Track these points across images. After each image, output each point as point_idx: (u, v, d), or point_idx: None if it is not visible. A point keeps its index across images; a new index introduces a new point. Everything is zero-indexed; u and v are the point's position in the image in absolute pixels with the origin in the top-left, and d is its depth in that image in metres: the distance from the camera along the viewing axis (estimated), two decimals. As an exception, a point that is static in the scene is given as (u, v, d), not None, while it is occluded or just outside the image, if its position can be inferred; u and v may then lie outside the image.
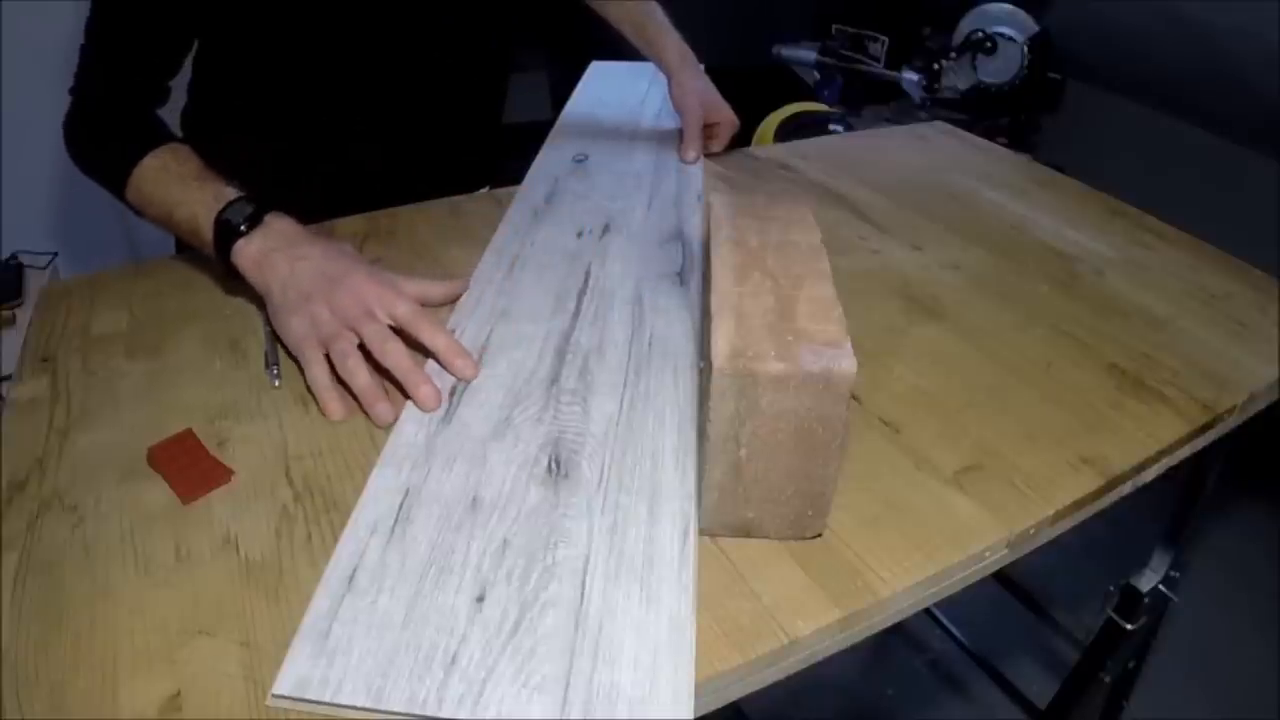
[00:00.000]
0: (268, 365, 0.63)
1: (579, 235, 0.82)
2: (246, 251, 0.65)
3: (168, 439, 0.56)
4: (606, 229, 0.83)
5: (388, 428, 0.57)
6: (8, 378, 0.97)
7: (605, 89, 1.23)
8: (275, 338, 0.65)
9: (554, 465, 0.54)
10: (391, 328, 0.62)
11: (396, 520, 0.50)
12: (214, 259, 0.68)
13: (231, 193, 0.68)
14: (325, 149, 0.89)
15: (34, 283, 1.59)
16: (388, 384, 0.60)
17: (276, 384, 0.62)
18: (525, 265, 0.76)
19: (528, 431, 0.57)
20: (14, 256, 1.63)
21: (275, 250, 0.65)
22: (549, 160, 0.98)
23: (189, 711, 0.40)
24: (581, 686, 0.41)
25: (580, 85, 1.25)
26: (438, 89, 0.91)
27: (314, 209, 0.84)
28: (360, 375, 0.58)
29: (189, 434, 0.56)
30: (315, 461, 0.55)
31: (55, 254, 1.66)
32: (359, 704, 0.40)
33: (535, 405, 0.59)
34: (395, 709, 0.40)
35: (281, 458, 0.55)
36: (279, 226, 0.67)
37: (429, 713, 0.39)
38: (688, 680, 0.41)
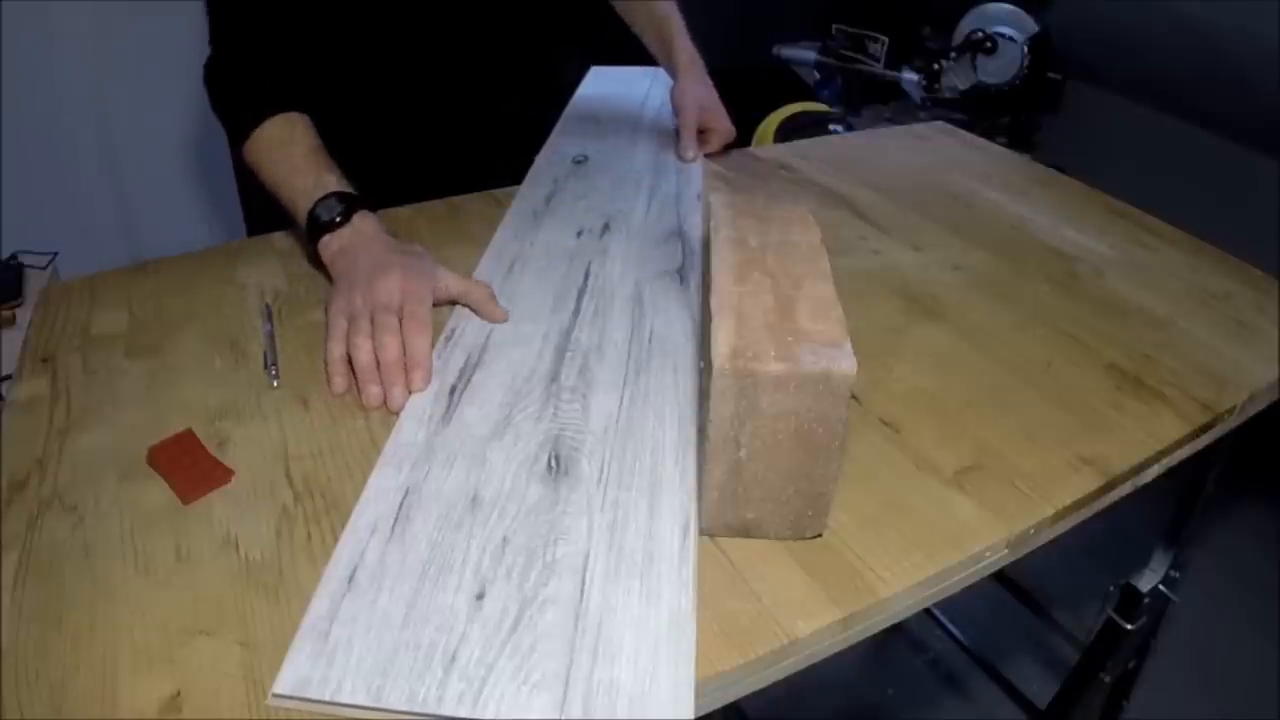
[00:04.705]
0: (266, 365, 0.63)
1: (579, 235, 0.82)
2: (330, 247, 0.70)
3: (168, 439, 0.56)
4: (606, 228, 0.83)
5: (377, 410, 0.59)
6: (8, 378, 0.97)
7: (605, 91, 1.23)
8: (274, 338, 0.66)
9: (554, 463, 0.54)
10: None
11: (396, 519, 0.50)
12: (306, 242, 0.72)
13: (330, 183, 0.71)
14: (383, 138, 0.91)
15: (34, 283, 1.59)
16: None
17: (275, 384, 0.62)
18: (525, 265, 0.76)
19: (528, 429, 0.57)
20: (14, 256, 1.63)
21: (352, 248, 0.69)
22: (549, 160, 0.98)
23: (189, 711, 0.40)
24: (581, 684, 0.41)
25: (580, 88, 1.25)
26: (491, 83, 0.93)
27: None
28: (361, 354, 0.61)
29: (189, 434, 0.56)
30: (315, 461, 0.55)
31: (55, 254, 1.66)
32: (359, 703, 0.40)
33: (535, 403, 0.59)
34: (395, 707, 0.40)
35: (281, 458, 0.55)
36: (361, 226, 0.70)
37: (429, 711, 0.40)
38: (688, 677, 0.41)
